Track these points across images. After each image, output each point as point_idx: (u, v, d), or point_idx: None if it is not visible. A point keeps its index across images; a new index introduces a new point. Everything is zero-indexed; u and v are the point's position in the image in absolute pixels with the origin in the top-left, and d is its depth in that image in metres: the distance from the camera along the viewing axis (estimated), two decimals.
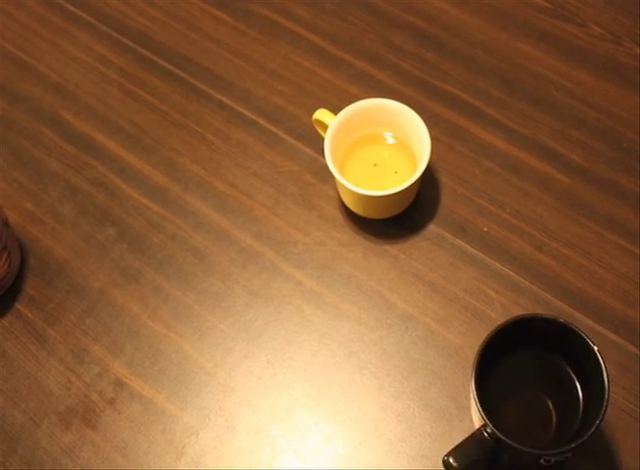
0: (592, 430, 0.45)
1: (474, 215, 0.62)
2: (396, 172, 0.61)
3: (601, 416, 0.46)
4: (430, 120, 0.65)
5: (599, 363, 0.47)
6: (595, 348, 0.47)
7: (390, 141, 0.62)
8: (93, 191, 0.65)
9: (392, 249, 0.61)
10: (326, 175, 0.64)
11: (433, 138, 0.65)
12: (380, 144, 0.63)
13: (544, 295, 0.58)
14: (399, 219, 0.62)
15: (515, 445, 0.45)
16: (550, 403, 0.51)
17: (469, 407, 0.55)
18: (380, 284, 0.59)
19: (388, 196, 0.57)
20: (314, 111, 0.66)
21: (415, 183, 0.57)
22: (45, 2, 0.74)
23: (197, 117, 0.67)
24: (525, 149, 0.64)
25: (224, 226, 0.63)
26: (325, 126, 0.60)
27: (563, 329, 0.49)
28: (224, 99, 0.68)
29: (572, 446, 0.45)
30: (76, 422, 0.56)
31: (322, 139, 0.66)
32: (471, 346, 0.57)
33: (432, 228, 0.61)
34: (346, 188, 0.57)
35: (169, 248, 0.62)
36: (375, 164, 0.62)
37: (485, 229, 0.61)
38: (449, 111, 0.66)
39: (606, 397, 0.46)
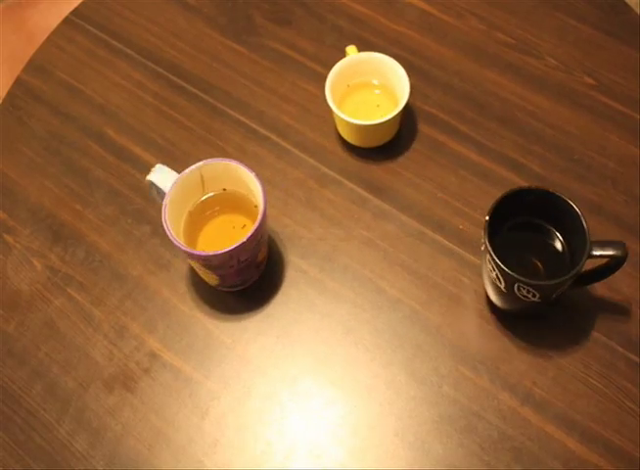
0: (563, 278, 0.48)
1: (451, 215, 0.61)
2: (378, 106, 0.63)
3: (580, 265, 0.48)
4: (413, 136, 0.65)
5: (582, 223, 0.49)
6: (577, 209, 0.50)
7: (378, 89, 0.65)
8: (131, 195, 0.64)
9: (382, 243, 0.60)
10: (326, 181, 0.63)
11: (416, 151, 0.65)
12: (369, 88, 0.65)
13: None
14: (387, 219, 0.61)
15: (511, 273, 0.48)
16: (538, 262, 0.53)
17: (448, 376, 0.54)
18: (372, 273, 0.59)
19: (376, 125, 0.60)
20: (317, 128, 0.66)
21: (397, 115, 0.60)
22: (92, 38, 0.73)
23: (219, 133, 0.66)
24: (493, 160, 0.63)
25: None
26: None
27: (550, 197, 0.51)
28: (242, 118, 0.67)
29: (548, 282, 0.48)
30: (118, 387, 0.56)
31: (323, 151, 0.66)
32: (449, 324, 0.56)
33: (415, 226, 0.61)
34: (342, 119, 0.60)
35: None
36: (364, 103, 0.64)
37: (461, 227, 0.60)
38: (430, 128, 0.65)
39: (586, 250, 0.48)
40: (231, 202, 0.57)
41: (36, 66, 0.72)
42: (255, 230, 0.52)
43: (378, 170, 0.64)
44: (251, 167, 0.65)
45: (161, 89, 0.69)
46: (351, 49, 0.65)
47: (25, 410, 0.55)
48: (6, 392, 0.56)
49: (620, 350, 0.55)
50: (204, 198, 0.57)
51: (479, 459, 0.51)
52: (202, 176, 0.56)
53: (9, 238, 0.63)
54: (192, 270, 0.60)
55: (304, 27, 0.72)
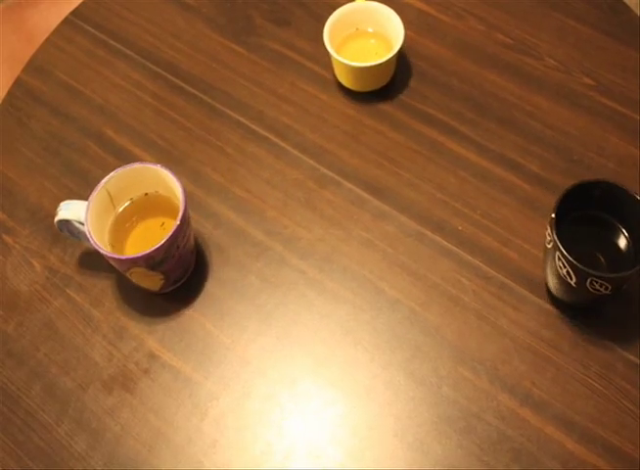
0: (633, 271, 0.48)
1: (450, 216, 0.61)
2: (377, 53, 0.66)
3: None
4: (413, 137, 0.65)
5: None
6: None
7: (373, 36, 0.67)
8: None
9: (382, 244, 0.60)
10: (325, 182, 0.63)
11: (415, 152, 0.65)
12: (365, 36, 0.67)
13: (508, 282, 0.57)
14: (386, 220, 0.61)
15: (586, 269, 0.48)
16: (601, 256, 0.54)
17: (447, 376, 0.54)
18: (371, 273, 0.59)
19: (372, 67, 0.62)
20: (316, 129, 0.66)
21: (392, 58, 0.63)
22: (92, 38, 0.73)
23: (218, 134, 0.66)
24: (492, 161, 0.63)
25: (240, 225, 0.61)
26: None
27: (614, 190, 0.51)
28: (241, 118, 0.67)
29: (623, 274, 0.48)
30: (117, 388, 0.55)
31: (322, 152, 0.65)
32: (448, 325, 0.56)
33: (415, 227, 0.60)
34: (340, 62, 0.63)
35: (195, 243, 0.61)
36: (362, 49, 0.66)
37: (460, 228, 0.60)
38: (429, 129, 0.65)
39: None
40: (147, 208, 0.58)
41: (36, 66, 0.72)
42: (184, 209, 0.53)
43: (377, 171, 0.63)
44: (250, 168, 0.65)
45: (160, 89, 0.69)
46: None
47: (24, 411, 0.55)
48: (5, 392, 0.56)
49: (620, 350, 0.54)
50: (120, 210, 0.58)
51: (477, 460, 0.51)
52: (108, 192, 0.56)
53: (8, 239, 0.62)
54: (191, 271, 0.59)
55: (303, 28, 0.72)
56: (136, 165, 0.57)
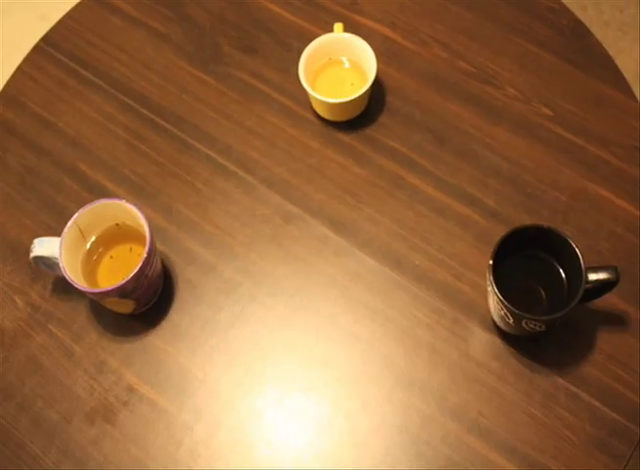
0: (567, 309, 0.53)
1: (408, 251, 0.64)
2: (352, 84, 0.68)
3: (577, 299, 0.53)
4: (375, 171, 0.68)
5: (578, 258, 0.55)
6: (576, 247, 0.55)
7: (347, 65, 0.69)
8: None
9: (343, 279, 0.63)
10: (291, 217, 0.66)
11: (376, 186, 0.67)
12: (339, 67, 0.69)
13: (460, 316, 0.61)
14: (347, 255, 0.64)
15: (519, 312, 0.53)
16: (542, 291, 0.58)
17: (399, 405, 0.58)
18: (332, 308, 0.62)
19: (348, 102, 0.65)
20: (283, 163, 0.68)
21: (366, 92, 0.65)
22: (63, 67, 0.74)
23: (188, 168, 0.68)
24: (449, 195, 0.66)
25: (211, 261, 0.65)
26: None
27: (551, 234, 0.56)
28: (210, 152, 0.69)
29: (554, 316, 0.53)
30: (99, 420, 0.60)
31: (288, 187, 0.68)
32: (402, 356, 0.60)
33: (373, 263, 0.63)
34: (315, 98, 0.65)
35: (168, 279, 0.64)
36: (337, 78, 0.69)
37: (417, 262, 0.63)
38: (390, 162, 0.67)
39: (582, 284, 0.54)
40: (116, 236, 0.62)
41: (9, 97, 0.73)
42: (150, 242, 0.57)
43: (340, 206, 0.66)
44: (219, 204, 0.68)
45: (131, 122, 0.71)
46: (338, 27, 0.69)
47: (14, 443, 0.59)
48: None
49: (561, 381, 0.59)
50: (88, 246, 0.62)
51: None
52: (78, 227, 0.60)
53: None
54: (166, 307, 0.63)
55: (271, 57, 0.73)
56: (103, 201, 0.61)
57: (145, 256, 0.57)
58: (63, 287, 0.65)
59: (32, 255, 0.60)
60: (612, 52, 0.72)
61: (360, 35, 0.68)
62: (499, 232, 0.63)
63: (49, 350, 0.63)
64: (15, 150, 0.71)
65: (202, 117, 0.71)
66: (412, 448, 0.57)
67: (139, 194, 0.68)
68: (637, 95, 0.70)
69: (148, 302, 0.62)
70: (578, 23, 0.73)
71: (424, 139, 0.68)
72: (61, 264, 0.58)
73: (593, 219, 0.64)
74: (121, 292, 0.57)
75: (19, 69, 0.75)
